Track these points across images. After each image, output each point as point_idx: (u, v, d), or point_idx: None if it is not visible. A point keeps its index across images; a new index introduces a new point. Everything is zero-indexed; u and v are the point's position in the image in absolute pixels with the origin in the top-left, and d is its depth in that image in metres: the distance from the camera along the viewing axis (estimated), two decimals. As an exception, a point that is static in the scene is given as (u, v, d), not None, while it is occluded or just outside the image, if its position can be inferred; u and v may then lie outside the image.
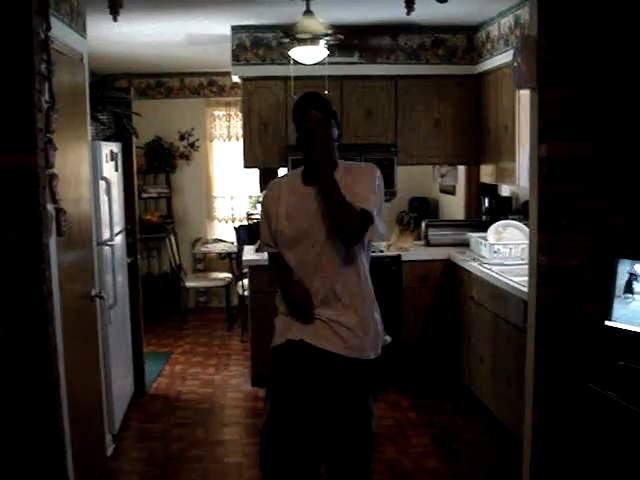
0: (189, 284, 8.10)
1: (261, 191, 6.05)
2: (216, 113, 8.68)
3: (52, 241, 3.23)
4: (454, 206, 7.42)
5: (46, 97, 3.17)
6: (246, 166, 6.10)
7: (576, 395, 3.29)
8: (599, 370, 3.20)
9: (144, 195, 8.27)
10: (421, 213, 7.55)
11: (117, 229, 4.89)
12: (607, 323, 3.26)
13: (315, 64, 5.30)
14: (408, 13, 3.60)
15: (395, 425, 4.98)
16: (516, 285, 4.29)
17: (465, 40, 5.98)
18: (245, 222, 8.33)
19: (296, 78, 5.64)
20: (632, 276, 3.23)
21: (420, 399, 5.45)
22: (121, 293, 4.98)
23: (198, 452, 4.58)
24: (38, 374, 3.08)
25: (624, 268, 3.25)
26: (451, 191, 7.46)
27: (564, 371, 3.38)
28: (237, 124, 8.53)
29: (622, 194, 3.34)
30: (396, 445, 4.65)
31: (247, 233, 7.25)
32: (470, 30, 5.94)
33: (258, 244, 6.10)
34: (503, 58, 5.29)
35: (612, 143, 3.30)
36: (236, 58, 5.87)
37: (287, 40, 4.90)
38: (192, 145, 8.63)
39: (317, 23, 4.74)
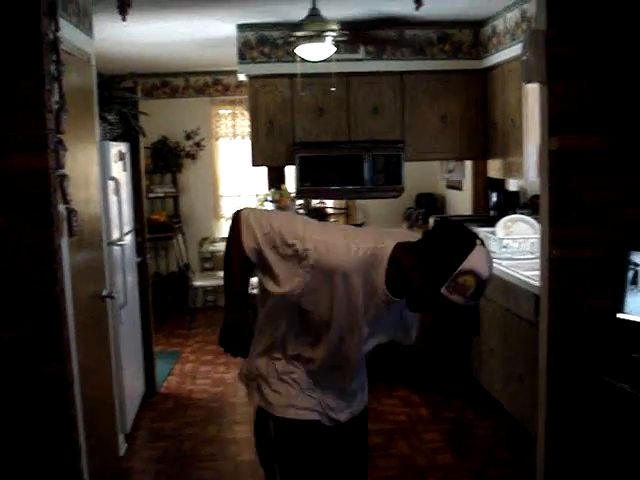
0: (197, 283, 8.11)
1: (269, 189, 6.04)
2: (221, 112, 8.69)
3: (64, 242, 3.23)
4: (461, 201, 7.40)
5: (56, 98, 3.18)
6: (254, 164, 6.10)
7: (590, 388, 3.29)
8: (613, 363, 3.19)
9: (151, 195, 8.28)
10: (428, 209, 7.56)
11: (126, 229, 4.90)
12: (620, 316, 3.25)
13: (321, 61, 5.30)
14: (417, 8, 3.60)
15: (406, 421, 4.98)
16: (526, 279, 4.29)
17: (471, 35, 5.97)
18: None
19: (302, 75, 5.64)
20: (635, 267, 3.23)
21: (430, 395, 5.44)
22: (131, 293, 4.98)
23: (210, 450, 4.59)
24: (51, 374, 3.09)
25: (636, 261, 3.24)
26: (458, 186, 7.45)
27: (577, 364, 3.37)
28: (243, 123, 8.54)
29: (633, 186, 3.33)
30: (408, 441, 4.65)
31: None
32: (476, 25, 5.92)
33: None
34: (509, 52, 5.28)
35: (623, 135, 3.29)
36: (242, 56, 5.87)
37: (293, 38, 4.89)
38: (198, 144, 8.63)
39: (323, 20, 4.73)
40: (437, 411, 5.15)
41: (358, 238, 2.31)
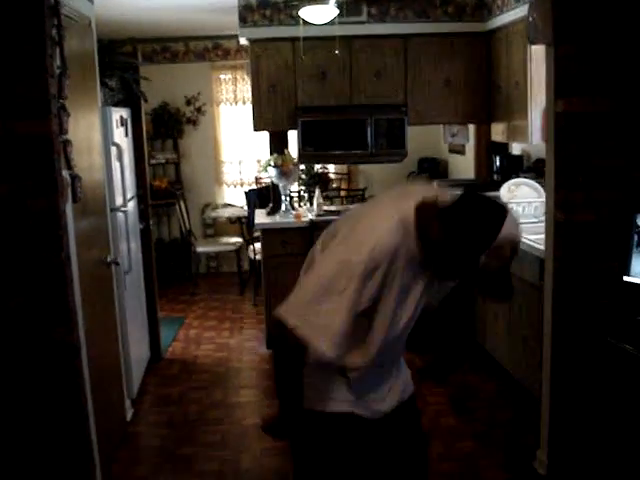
0: (200, 249, 8.12)
1: (271, 154, 6.01)
2: (222, 77, 8.61)
3: (68, 208, 3.23)
4: (463, 166, 7.38)
5: (57, 63, 3.15)
6: (256, 129, 6.06)
7: (594, 350, 3.31)
8: (617, 325, 3.20)
9: (152, 161, 8.23)
10: (431, 173, 7.55)
11: (129, 195, 4.89)
12: (625, 278, 3.26)
13: (324, 24, 5.23)
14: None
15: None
16: (531, 243, 4.28)
17: (475, -4, 5.90)
18: (254, 186, 8.32)
19: (305, 39, 5.58)
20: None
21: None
22: (135, 259, 4.99)
23: (217, 414, 4.63)
24: (59, 340, 3.10)
25: (642, 223, 3.24)
26: (460, 150, 7.43)
27: (582, 326, 3.39)
28: (244, 88, 8.48)
29: (639, 150, 3.31)
30: (412, 404, 4.68)
31: (257, 197, 7.23)
32: (480, -14, 5.85)
33: (270, 208, 6.10)
34: (514, 14, 5.21)
35: (629, 98, 3.27)
36: (243, 20, 5.80)
37: (296, 0, 4.83)
38: (199, 110, 8.57)
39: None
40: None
41: (381, 217, 2.19)
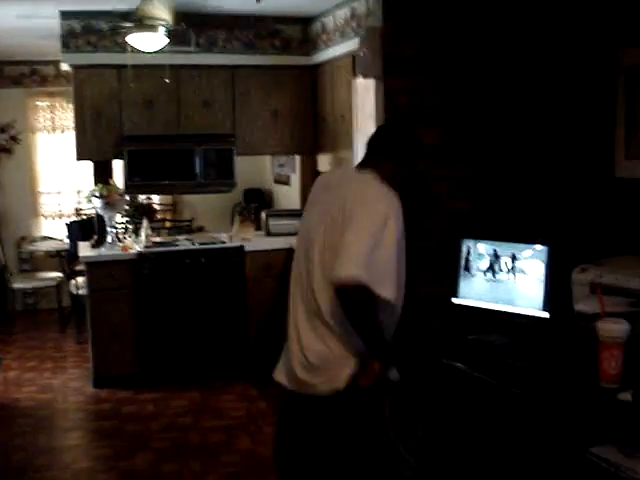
0: (16, 285, 7.66)
1: (95, 184, 5.79)
2: (39, 104, 8.23)
3: None
4: (290, 196, 7.50)
5: None
6: (79, 158, 5.82)
7: (428, 369, 3.44)
8: (449, 345, 3.36)
9: (-39, 192, 7.71)
10: (257, 204, 7.60)
11: (-59, 228, 4.54)
12: (454, 300, 3.43)
13: (151, 52, 5.15)
14: (258, 1, 3.60)
15: (246, 415, 4.99)
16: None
17: (300, 31, 6.04)
18: (75, 218, 7.98)
19: (132, 66, 5.45)
20: (469, 255, 3.41)
21: (269, 388, 5.46)
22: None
23: (44, 460, 4.34)
24: None
25: (466, 248, 3.43)
26: (286, 181, 7.54)
27: (416, 349, 3.51)
28: (63, 115, 8.17)
29: (461, 179, 3.53)
30: (249, 435, 4.65)
31: (80, 229, 6.94)
32: (306, 21, 6.00)
33: (94, 240, 5.87)
34: (339, 49, 5.40)
35: (455, 130, 3.47)
36: (66, 45, 5.57)
37: (125, 26, 4.72)
38: (14, 138, 8.12)
39: (159, 8, 4.60)
40: (276, 403, 5.18)
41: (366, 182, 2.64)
